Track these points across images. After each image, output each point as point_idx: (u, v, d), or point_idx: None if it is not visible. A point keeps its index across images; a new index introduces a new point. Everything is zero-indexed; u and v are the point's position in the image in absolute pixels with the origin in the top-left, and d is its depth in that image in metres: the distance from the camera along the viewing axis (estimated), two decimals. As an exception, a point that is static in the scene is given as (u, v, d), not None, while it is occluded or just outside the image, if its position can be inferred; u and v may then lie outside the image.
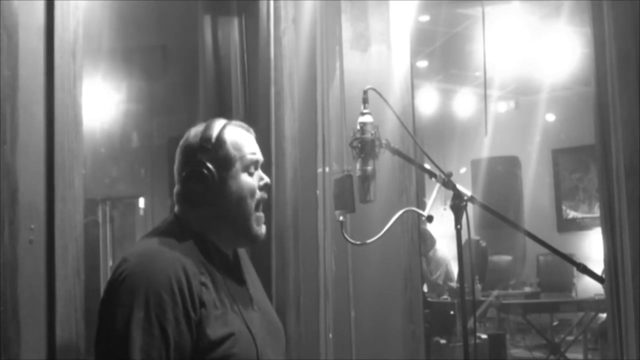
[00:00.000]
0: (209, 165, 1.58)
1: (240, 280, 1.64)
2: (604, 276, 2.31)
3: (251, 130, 1.70)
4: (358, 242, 2.17)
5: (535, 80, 7.49)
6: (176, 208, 1.64)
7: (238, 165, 1.61)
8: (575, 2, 5.11)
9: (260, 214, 1.65)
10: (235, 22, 2.86)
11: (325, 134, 2.98)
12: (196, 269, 1.49)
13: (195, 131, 1.64)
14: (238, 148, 1.62)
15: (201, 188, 1.58)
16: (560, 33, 6.00)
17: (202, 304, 1.46)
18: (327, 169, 2.96)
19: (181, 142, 1.65)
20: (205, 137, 1.61)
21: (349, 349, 2.99)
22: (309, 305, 2.81)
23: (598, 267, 2.51)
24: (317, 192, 2.95)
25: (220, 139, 1.61)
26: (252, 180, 1.63)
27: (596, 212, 7.17)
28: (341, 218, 2.08)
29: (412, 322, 3.09)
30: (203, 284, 1.49)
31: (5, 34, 1.80)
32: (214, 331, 1.46)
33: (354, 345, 3.00)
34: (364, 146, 2.04)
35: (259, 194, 1.64)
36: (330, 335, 2.89)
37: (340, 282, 3.01)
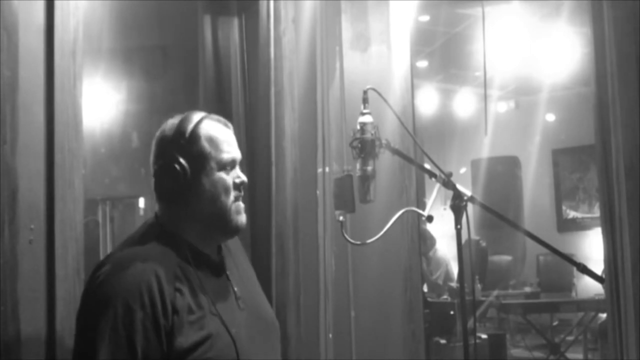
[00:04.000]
0: (182, 160, 1.51)
1: (223, 279, 1.58)
2: (604, 276, 2.30)
3: (230, 125, 1.62)
4: (358, 242, 2.17)
5: (535, 80, 7.49)
6: (156, 207, 1.59)
7: (212, 163, 1.53)
8: (575, 2, 5.11)
9: (239, 204, 1.57)
10: (235, 22, 2.85)
11: (325, 134, 2.98)
12: (171, 274, 1.45)
13: (171, 123, 1.58)
14: (214, 144, 1.55)
15: (172, 184, 1.51)
16: (560, 33, 6.00)
17: (175, 311, 1.42)
18: (327, 169, 2.96)
19: (157, 133, 1.59)
20: (179, 131, 1.54)
21: (349, 349, 2.99)
22: (309, 305, 2.81)
23: (598, 267, 2.50)
24: (317, 192, 2.95)
25: (194, 134, 1.53)
26: (228, 178, 1.55)
27: (596, 212, 7.16)
28: (341, 218, 2.08)
29: (412, 322, 3.09)
30: (178, 289, 1.44)
31: (5, 34, 1.79)
32: (187, 338, 1.42)
33: (354, 345, 3.00)
34: (364, 146, 2.04)
35: (233, 193, 1.56)
36: (330, 335, 2.89)
37: (340, 282, 3.01)
